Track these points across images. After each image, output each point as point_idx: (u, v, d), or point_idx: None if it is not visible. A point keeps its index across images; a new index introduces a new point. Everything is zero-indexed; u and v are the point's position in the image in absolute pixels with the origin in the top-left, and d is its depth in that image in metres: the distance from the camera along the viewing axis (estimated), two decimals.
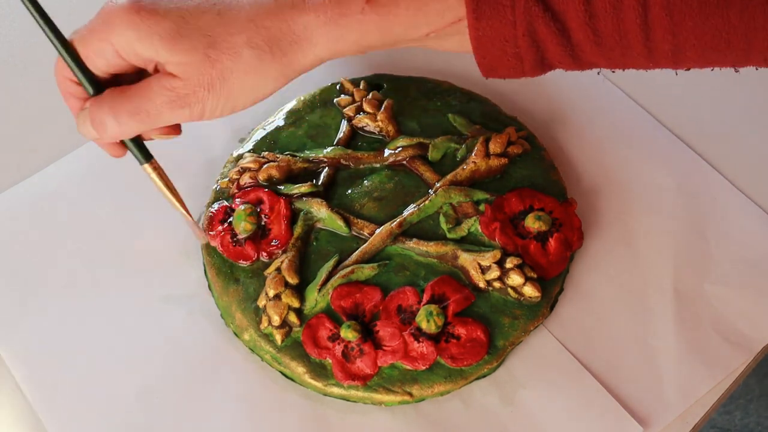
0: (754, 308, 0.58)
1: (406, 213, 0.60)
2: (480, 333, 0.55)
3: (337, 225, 0.60)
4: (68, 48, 0.49)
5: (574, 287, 0.59)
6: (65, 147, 0.65)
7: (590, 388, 0.55)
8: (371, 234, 0.59)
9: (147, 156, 0.53)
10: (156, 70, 0.48)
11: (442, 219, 0.60)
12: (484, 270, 0.57)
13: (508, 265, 0.57)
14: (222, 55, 0.47)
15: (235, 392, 0.56)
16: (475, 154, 0.61)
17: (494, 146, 0.62)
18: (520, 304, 0.57)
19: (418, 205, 0.60)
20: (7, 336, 0.58)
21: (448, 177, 0.61)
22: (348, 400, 0.55)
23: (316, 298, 0.57)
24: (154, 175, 0.53)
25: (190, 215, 0.55)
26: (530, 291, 0.56)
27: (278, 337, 0.56)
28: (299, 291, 0.57)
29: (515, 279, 0.56)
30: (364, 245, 0.59)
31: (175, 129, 0.52)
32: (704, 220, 0.62)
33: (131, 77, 0.50)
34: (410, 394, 0.55)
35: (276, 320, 0.56)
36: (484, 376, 0.56)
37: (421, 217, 0.60)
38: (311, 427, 0.55)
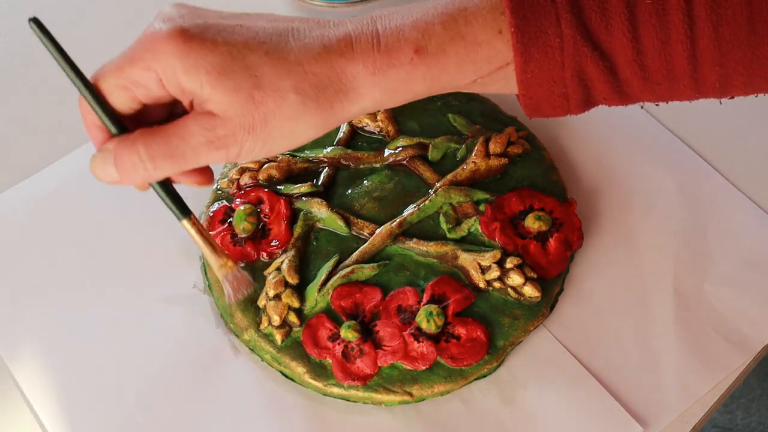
0: (754, 308, 0.58)
1: (406, 213, 0.60)
2: (480, 333, 0.55)
3: (337, 225, 0.60)
4: (89, 86, 0.46)
5: (574, 287, 0.59)
6: (65, 147, 0.65)
7: (590, 388, 0.55)
8: (371, 234, 0.59)
9: (185, 211, 0.49)
10: (191, 106, 0.46)
11: (442, 219, 0.60)
12: (484, 270, 0.57)
13: (508, 265, 0.57)
14: (267, 98, 0.45)
15: (235, 392, 0.56)
16: (475, 154, 0.61)
17: (494, 146, 0.62)
18: (520, 304, 0.57)
19: (418, 205, 0.60)
20: (7, 336, 0.58)
21: (448, 177, 0.61)
22: (348, 400, 0.55)
23: (316, 298, 0.57)
24: (193, 231, 0.50)
25: (234, 266, 0.52)
26: (530, 291, 0.56)
27: (278, 337, 0.56)
28: (299, 291, 0.57)
29: (515, 279, 0.56)
30: (364, 245, 0.59)
31: (207, 178, 0.50)
32: (704, 220, 0.62)
33: (158, 114, 0.48)
34: (410, 394, 0.55)
35: (276, 320, 0.56)
36: (484, 376, 0.56)
37: (421, 217, 0.60)
38: (311, 427, 0.55)
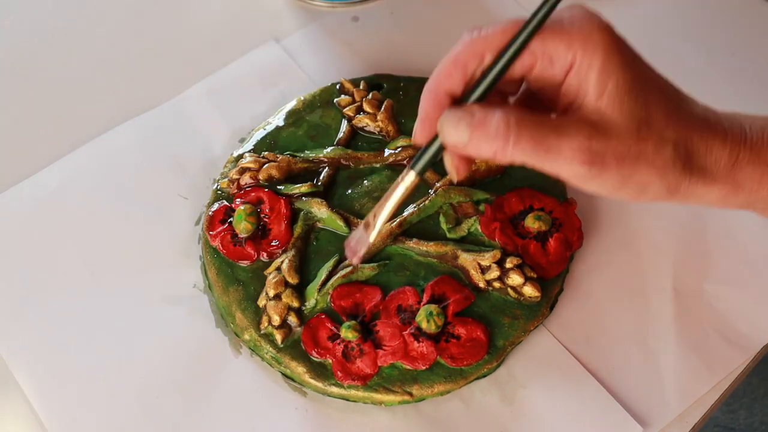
0: (754, 308, 0.58)
1: (406, 213, 0.60)
2: (480, 333, 0.55)
3: (337, 225, 0.60)
4: (520, 42, 0.43)
5: (574, 287, 0.59)
6: (65, 147, 0.65)
7: (590, 388, 0.55)
8: None
9: (423, 170, 0.47)
10: (568, 108, 0.43)
11: (442, 219, 0.60)
12: (484, 270, 0.57)
13: (508, 265, 0.57)
14: (650, 139, 0.42)
15: (236, 392, 0.56)
16: None
17: None
18: (520, 304, 0.57)
19: (418, 205, 0.60)
20: (7, 336, 0.58)
21: (448, 177, 0.61)
22: (348, 400, 0.55)
23: (316, 298, 0.57)
24: (405, 187, 0.47)
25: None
26: (530, 291, 0.56)
27: (278, 337, 0.56)
28: (299, 291, 0.57)
29: (515, 279, 0.56)
30: None
31: (465, 170, 0.47)
32: (704, 220, 0.62)
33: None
34: (410, 394, 0.55)
35: (276, 320, 0.56)
36: (484, 376, 0.56)
37: (421, 217, 0.60)
38: (311, 427, 0.55)
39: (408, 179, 0.47)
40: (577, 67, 0.42)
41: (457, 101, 0.45)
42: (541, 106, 0.46)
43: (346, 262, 0.58)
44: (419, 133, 0.46)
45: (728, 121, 0.45)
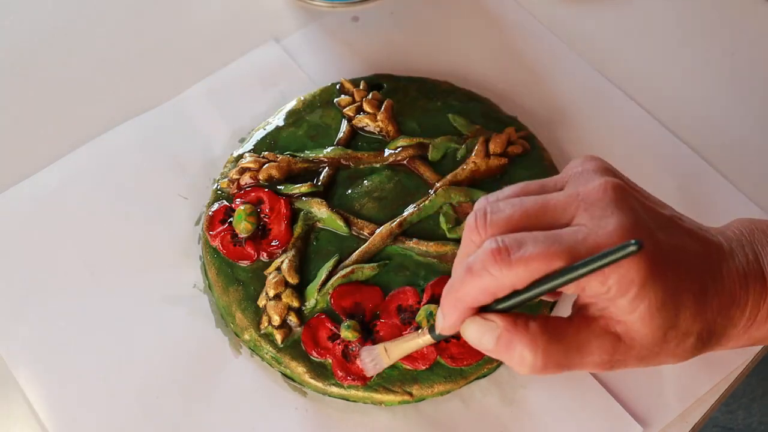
0: None
1: (406, 213, 0.60)
2: None
3: (337, 225, 0.60)
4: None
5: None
6: (65, 147, 0.65)
7: (590, 388, 0.55)
8: (371, 234, 0.59)
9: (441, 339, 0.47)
10: (588, 307, 0.41)
11: (442, 219, 0.60)
12: None
13: None
14: (675, 339, 0.41)
15: (235, 392, 0.56)
16: (475, 154, 0.61)
17: (494, 146, 0.62)
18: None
19: (418, 205, 0.60)
20: (7, 336, 0.58)
21: (448, 177, 0.61)
22: (348, 400, 0.55)
23: (316, 298, 0.57)
24: (422, 343, 0.48)
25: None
26: None
27: (278, 337, 0.56)
28: (299, 291, 0.57)
29: None
30: (364, 245, 0.59)
31: None
32: (704, 220, 0.62)
33: None
34: (410, 394, 0.55)
35: (276, 320, 0.56)
36: (484, 376, 0.56)
37: (421, 217, 0.60)
38: (311, 427, 0.55)
39: (424, 339, 0.47)
40: (608, 296, 0.40)
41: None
42: None
43: (344, 262, 0.58)
44: (444, 329, 0.44)
45: (752, 270, 0.43)
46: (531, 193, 0.43)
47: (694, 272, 0.41)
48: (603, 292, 0.40)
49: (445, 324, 0.44)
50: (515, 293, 0.41)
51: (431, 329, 0.46)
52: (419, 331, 0.48)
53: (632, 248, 0.37)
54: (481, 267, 0.40)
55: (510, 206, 0.41)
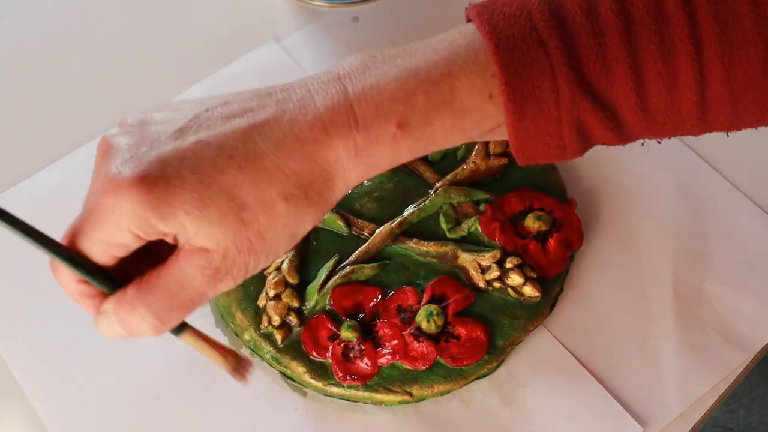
0: (754, 308, 0.58)
1: (406, 213, 0.60)
2: (480, 333, 0.55)
3: (337, 225, 0.60)
4: (65, 252, 0.42)
5: (574, 287, 0.59)
6: (65, 147, 0.65)
7: (590, 388, 0.55)
8: (371, 234, 0.59)
9: (180, 326, 0.46)
10: (175, 241, 0.41)
11: (442, 219, 0.60)
12: (484, 270, 0.57)
13: (508, 265, 0.57)
14: (257, 216, 0.41)
15: (236, 392, 0.56)
16: (475, 154, 0.61)
17: (494, 146, 0.62)
18: (520, 304, 0.57)
19: (418, 205, 0.60)
20: (7, 336, 0.58)
21: (448, 177, 0.61)
22: (348, 400, 0.55)
23: (316, 298, 0.57)
24: (191, 341, 0.47)
25: (233, 356, 0.49)
26: (530, 291, 0.56)
27: (278, 337, 0.56)
28: (299, 291, 0.57)
29: (515, 279, 0.56)
30: (364, 245, 0.59)
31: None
32: (704, 220, 0.62)
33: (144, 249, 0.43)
34: (410, 394, 0.55)
35: (276, 320, 0.56)
36: (484, 376, 0.56)
37: (421, 217, 0.60)
38: (311, 427, 0.55)
39: (186, 339, 0.47)
40: (144, 233, 0.40)
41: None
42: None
43: (344, 262, 0.58)
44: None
45: (329, 113, 0.41)
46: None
47: (225, 152, 0.40)
48: (127, 234, 0.40)
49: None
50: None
51: None
52: None
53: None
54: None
55: None
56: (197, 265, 0.41)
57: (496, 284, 0.57)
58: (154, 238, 0.41)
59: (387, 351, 0.55)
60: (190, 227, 0.40)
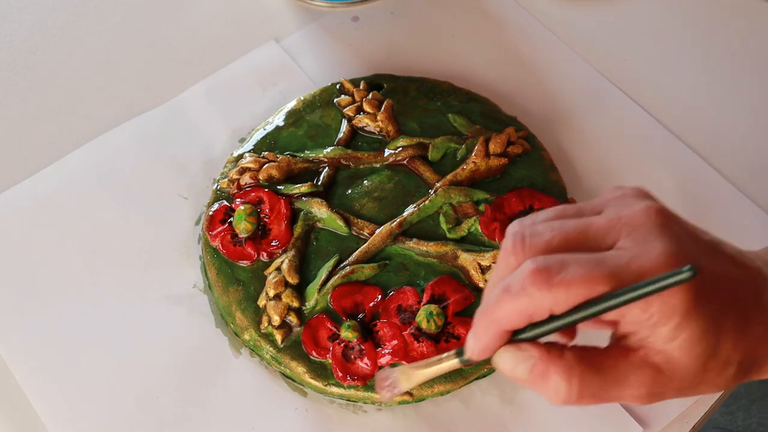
0: None
1: (406, 213, 0.60)
2: None
3: (337, 225, 0.60)
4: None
5: None
6: (65, 147, 0.65)
7: None
8: (371, 234, 0.59)
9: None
10: (628, 336, 0.39)
11: (442, 219, 0.60)
12: (484, 270, 0.57)
13: None
14: (716, 368, 0.39)
15: (235, 392, 0.56)
16: (475, 154, 0.61)
17: (494, 146, 0.62)
18: None
19: (418, 205, 0.60)
20: (7, 336, 0.58)
21: (448, 177, 0.61)
22: (348, 400, 0.55)
23: (316, 298, 0.57)
24: (446, 367, 0.44)
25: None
26: None
27: (278, 337, 0.56)
28: (299, 291, 0.57)
29: None
30: (364, 245, 0.59)
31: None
32: (704, 220, 0.61)
33: None
34: (410, 394, 0.55)
35: (276, 320, 0.56)
36: (484, 376, 0.56)
37: (421, 217, 0.60)
38: (311, 427, 0.55)
39: (449, 364, 0.43)
40: (649, 325, 0.39)
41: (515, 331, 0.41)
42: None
43: (344, 262, 0.58)
44: (474, 353, 0.42)
45: None
46: (568, 217, 0.42)
47: (736, 300, 0.40)
48: (644, 319, 0.38)
49: (476, 347, 0.41)
50: (552, 318, 0.39)
51: (459, 353, 0.43)
52: (444, 354, 0.44)
53: (687, 274, 0.36)
54: (520, 287, 0.38)
55: (549, 229, 0.40)
56: (642, 381, 0.39)
57: None
58: (626, 327, 0.39)
59: (387, 351, 0.55)
60: (673, 346, 0.38)
